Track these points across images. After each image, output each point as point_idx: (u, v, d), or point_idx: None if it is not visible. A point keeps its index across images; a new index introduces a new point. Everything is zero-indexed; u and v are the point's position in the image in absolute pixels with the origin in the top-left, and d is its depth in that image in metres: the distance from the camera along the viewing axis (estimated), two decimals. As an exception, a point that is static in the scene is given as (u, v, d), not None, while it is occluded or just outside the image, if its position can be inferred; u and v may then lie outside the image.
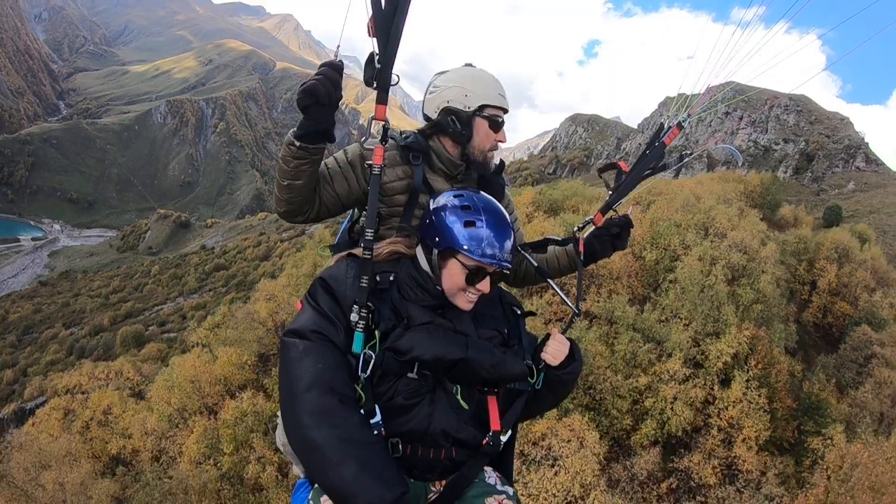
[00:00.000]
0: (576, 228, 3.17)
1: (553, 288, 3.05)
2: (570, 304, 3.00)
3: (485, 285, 2.33)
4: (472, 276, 2.30)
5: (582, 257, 3.07)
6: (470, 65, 2.84)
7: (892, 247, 50.50)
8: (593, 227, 3.10)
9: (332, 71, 2.29)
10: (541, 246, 3.13)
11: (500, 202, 2.66)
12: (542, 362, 2.55)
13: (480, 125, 2.77)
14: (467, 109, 2.74)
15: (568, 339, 2.62)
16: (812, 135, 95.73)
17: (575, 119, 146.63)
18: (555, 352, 2.55)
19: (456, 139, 2.79)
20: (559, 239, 3.13)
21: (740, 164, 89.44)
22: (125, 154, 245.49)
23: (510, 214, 3.02)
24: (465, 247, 2.28)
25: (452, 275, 2.33)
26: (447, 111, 2.76)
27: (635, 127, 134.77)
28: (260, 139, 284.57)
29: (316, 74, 2.30)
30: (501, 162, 3.02)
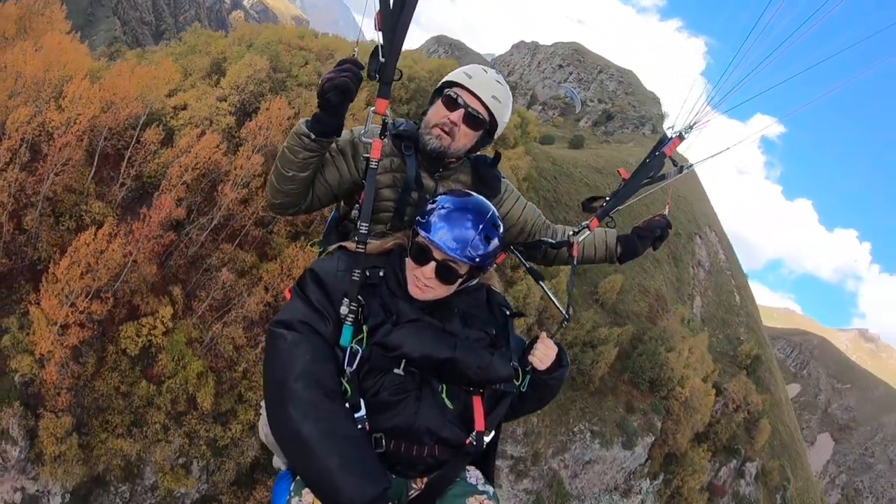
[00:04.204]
0: (571, 233, 3.36)
1: (544, 291, 3.36)
2: (559, 307, 3.23)
3: (426, 271, 2.47)
4: (417, 255, 2.51)
5: (575, 262, 3.31)
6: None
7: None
8: (588, 231, 3.33)
9: (357, 68, 2.49)
10: (534, 247, 3.36)
11: (495, 195, 3.12)
12: (530, 365, 2.73)
13: (438, 101, 2.98)
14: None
15: (556, 343, 2.79)
16: (622, 101, 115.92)
17: (440, 40, 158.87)
18: (542, 356, 2.73)
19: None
20: (553, 241, 3.34)
21: (578, 109, 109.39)
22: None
23: (510, 205, 3.29)
24: (420, 219, 2.54)
25: (410, 255, 2.55)
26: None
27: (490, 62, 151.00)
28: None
29: (342, 71, 2.48)
30: (497, 154, 3.33)
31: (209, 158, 29.56)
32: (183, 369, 28.78)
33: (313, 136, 2.58)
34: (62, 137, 25.79)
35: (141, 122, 30.77)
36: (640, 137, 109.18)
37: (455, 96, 2.86)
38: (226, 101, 36.78)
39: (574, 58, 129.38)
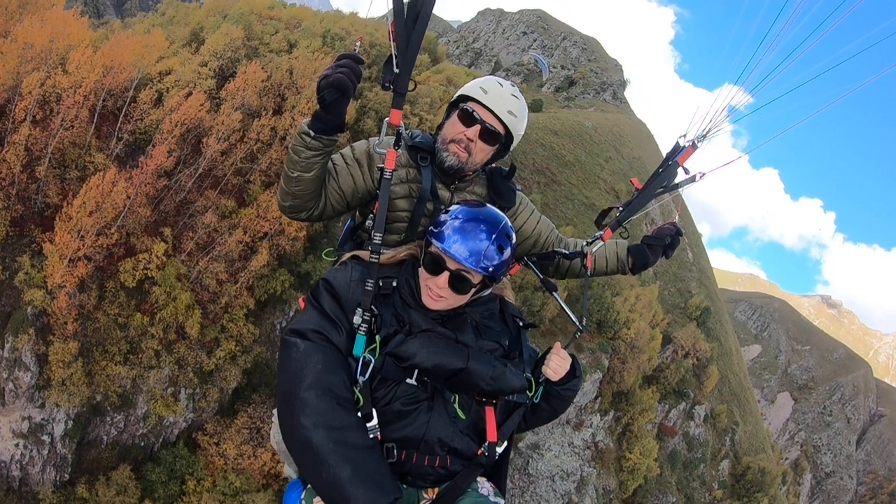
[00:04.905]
0: (585, 243, 3.41)
1: (558, 301, 3.39)
2: (573, 318, 3.19)
3: (440, 281, 2.53)
4: (430, 265, 2.56)
5: (589, 273, 3.35)
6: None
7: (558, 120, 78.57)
8: (601, 242, 3.38)
9: (356, 64, 2.50)
10: (548, 258, 3.41)
11: (511, 207, 3.17)
12: (543, 376, 2.77)
13: (453, 115, 3.02)
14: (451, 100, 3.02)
15: (570, 354, 2.83)
16: (584, 68, 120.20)
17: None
18: (556, 367, 2.77)
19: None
20: (567, 252, 3.38)
21: (545, 77, 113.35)
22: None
23: (525, 218, 3.36)
24: (434, 229, 2.57)
25: (423, 265, 2.62)
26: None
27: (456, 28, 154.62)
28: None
29: (340, 67, 2.46)
30: (513, 167, 3.28)
31: (195, 115, 34.93)
32: (173, 301, 33.50)
33: (313, 134, 2.62)
34: (70, 98, 30.68)
35: (134, 84, 35.77)
36: (601, 103, 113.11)
37: (471, 111, 2.93)
38: (206, 66, 42.07)
39: (538, 25, 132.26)
